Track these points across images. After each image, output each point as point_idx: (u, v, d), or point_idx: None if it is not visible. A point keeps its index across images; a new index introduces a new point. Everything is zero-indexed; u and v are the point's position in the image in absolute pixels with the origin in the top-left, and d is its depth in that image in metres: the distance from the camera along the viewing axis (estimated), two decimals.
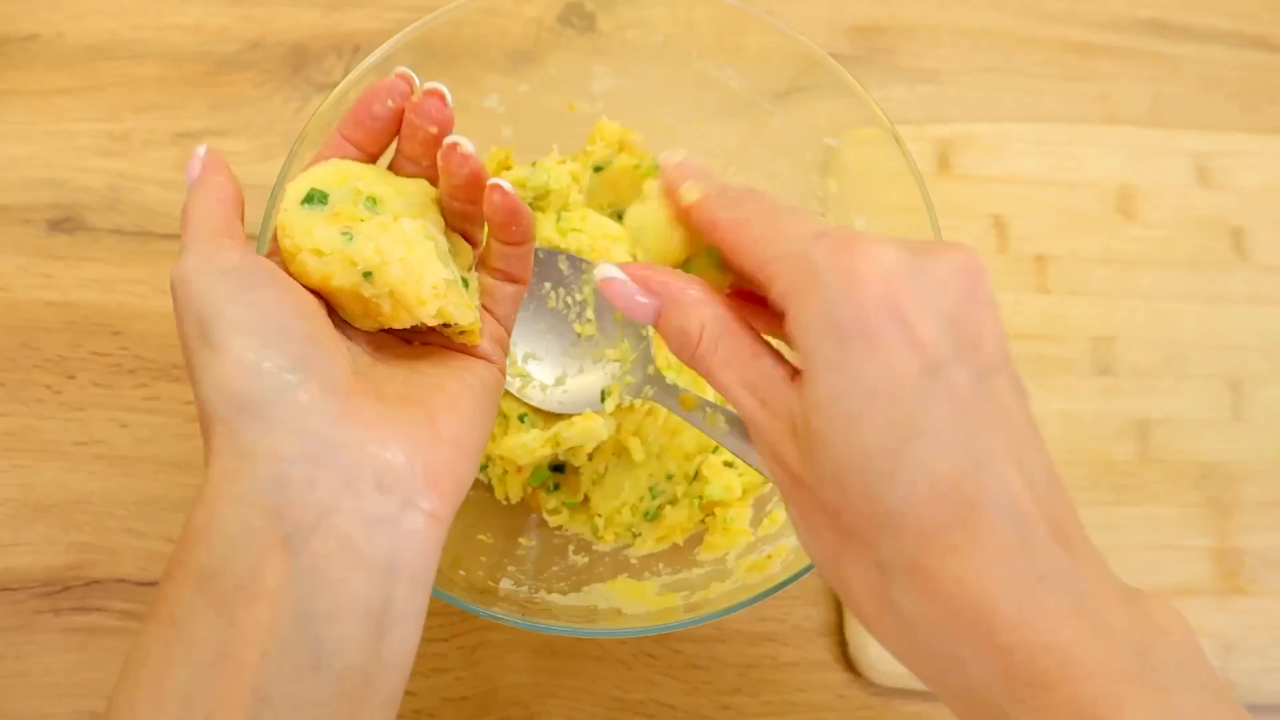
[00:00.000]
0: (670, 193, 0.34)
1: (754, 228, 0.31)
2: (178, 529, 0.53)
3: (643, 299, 0.33)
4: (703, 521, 0.48)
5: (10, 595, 0.51)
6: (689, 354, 0.32)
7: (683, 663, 0.51)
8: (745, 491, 0.48)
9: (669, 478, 0.49)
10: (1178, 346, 0.59)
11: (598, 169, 0.52)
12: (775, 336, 0.34)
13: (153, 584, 0.52)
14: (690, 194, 0.33)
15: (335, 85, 0.46)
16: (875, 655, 0.51)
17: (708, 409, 0.41)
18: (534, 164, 0.50)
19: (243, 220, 0.36)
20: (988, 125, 0.62)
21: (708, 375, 0.32)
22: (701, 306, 0.32)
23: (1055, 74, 0.65)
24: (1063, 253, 0.60)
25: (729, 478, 0.47)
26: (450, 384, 0.34)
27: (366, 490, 0.30)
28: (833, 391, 0.28)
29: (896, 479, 0.27)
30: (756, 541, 0.46)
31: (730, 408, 0.40)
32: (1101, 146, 0.63)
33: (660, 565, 0.47)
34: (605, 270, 0.33)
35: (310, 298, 0.33)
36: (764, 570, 0.43)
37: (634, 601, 0.44)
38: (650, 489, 0.49)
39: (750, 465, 0.40)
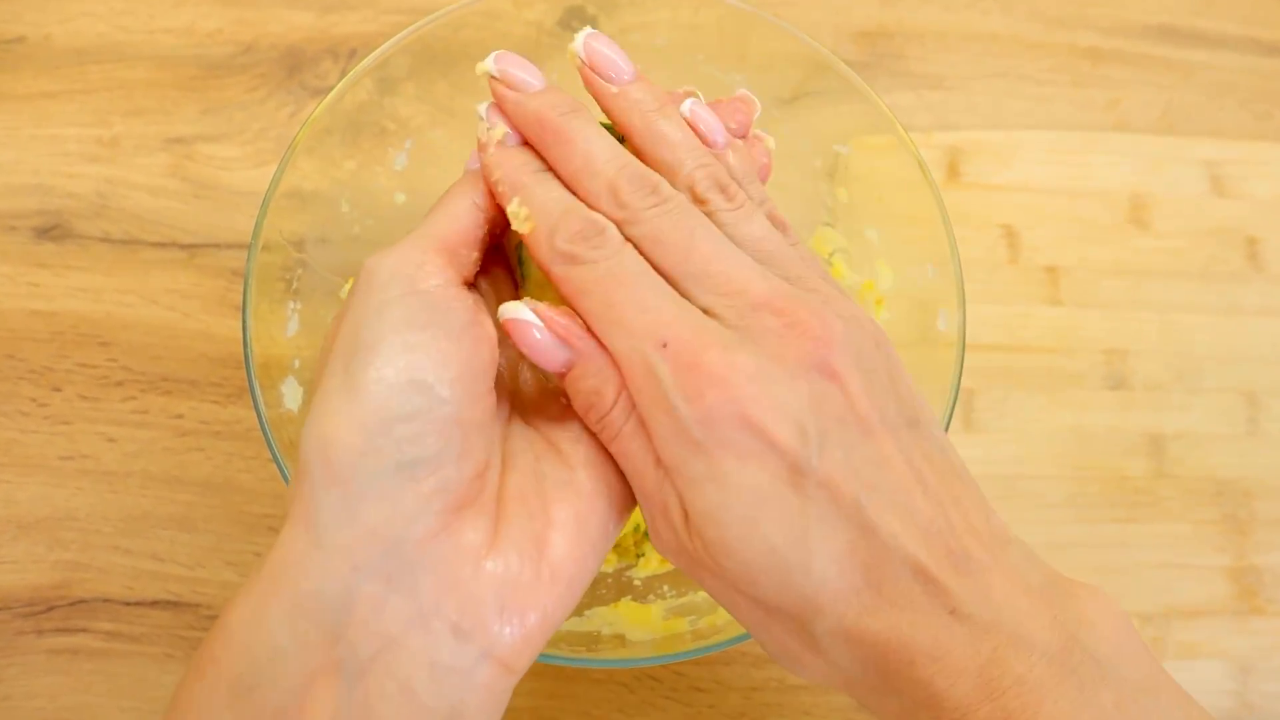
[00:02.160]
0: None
1: (592, 299, 0.29)
2: (166, 546, 0.51)
3: (555, 349, 0.29)
4: None
5: None
6: (594, 418, 0.29)
7: (686, 685, 0.50)
8: None
9: None
10: (1192, 359, 0.58)
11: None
12: None
13: (140, 604, 0.50)
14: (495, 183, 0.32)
15: (330, 89, 0.44)
16: None
17: None
18: None
19: (482, 246, 0.32)
20: (997, 132, 0.61)
21: (607, 443, 0.29)
22: (615, 370, 0.29)
23: (1065, 81, 0.64)
24: (1074, 263, 0.59)
25: None
26: (583, 480, 0.29)
27: (441, 631, 0.25)
28: (719, 501, 0.27)
29: (808, 567, 0.27)
30: None
31: None
32: (1112, 154, 0.61)
33: (665, 587, 0.46)
34: (513, 311, 0.29)
35: (485, 360, 0.28)
36: None
37: (638, 627, 0.43)
38: None
39: None
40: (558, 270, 0.29)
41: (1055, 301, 0.58)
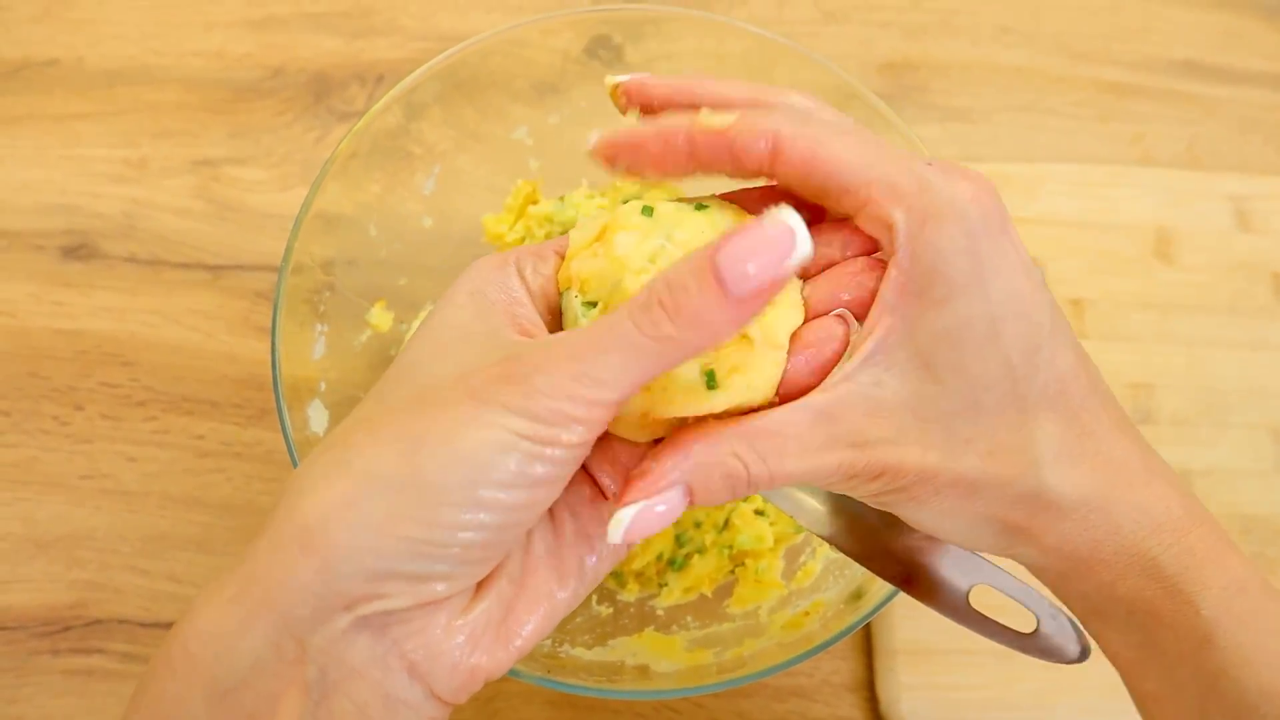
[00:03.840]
0: (636, 150, 0.30)
1: (843, 143, 0.29)
2: (184, 567, 0.51)
3: (663, 500, 0.28)
4: (732, 572, 0.47)
5: (8, 634, 0.50)
6: (744, 486, 0.29)
7: (705, 717, 0.49)
8: (777, 541, 0.46)
9: (696, 525, 0.47)
10: (1219, 394, 0.57)
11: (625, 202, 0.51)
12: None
13: (156, 625, 0.50)
14: (717, 119, 0.30)
15: (357, 114, 0.45)
16: (906, 711, 0.49)
17: None
18: (562, 198, 0.49)
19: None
20: (1022, 165, 0.61)
21: (773, 483, 0.29)
22: (713, 441, 0.28)
23: (1090, 114, 0.64)
24: (1100, 296, 0.59)
25: (760, 527, 0.46)
26: (568, 556, 0.30)
27: (398, 670, 0.27)
28: (971, 313, 0.28)
29: (1033, 380, 0.29)
30: (790, 595, 0.44)
31: None
32: (1138, 188, 0.61)
33: (688, 618, 0.45)
34: (625, 515, 0.28)
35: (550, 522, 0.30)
36: (801, 628, 0.41)
37: (662, 657, 0.42)
38: (677, 537, 0.47)
39: (787, 512, 0.38)
40: (790, 129, 0.29)
41: (1081, 334, 0.58)
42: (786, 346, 0.30)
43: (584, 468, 0.31)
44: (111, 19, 0.62)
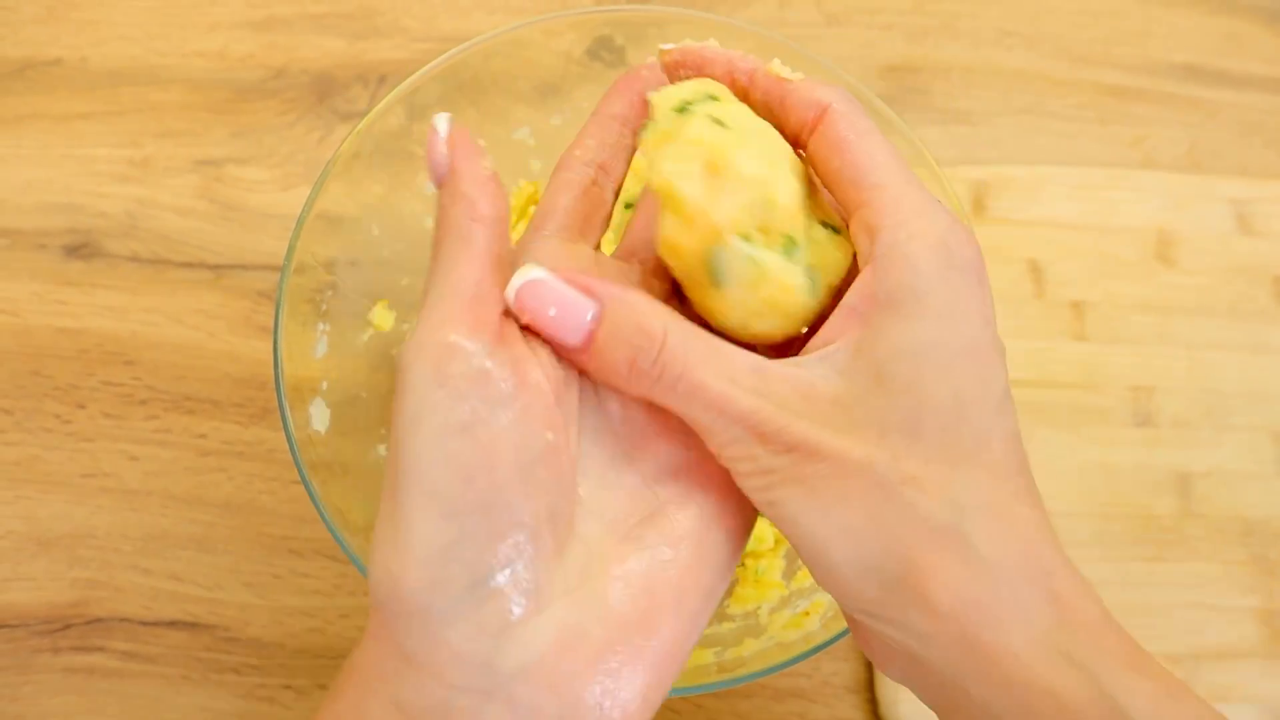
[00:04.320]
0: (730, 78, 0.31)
1: (875, 141, 0.29)
2: (185, 566, 0.51)
3: (578, 304, 0.27)
4: None
5: (9, 632, 0.50)
6: (650, 358, 0.27)
7: (704, 718, 0.49)
8: (777, 542, 0.46)
9: None
10: (1219, 397, 0.57)
11: (629, 205, 0.51)
12: None
13: (157, 624, 0.50)
14: (782, 69, 0.30)
15: (359, 115, 0.45)
16: (906, 712, 0.49)
17: None
18: None
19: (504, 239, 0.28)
20: (1023, 168, 0.61)
21: (679, 382, 0.27)
22: (658, 307, 0.28)
23: (1091, 117, 0.64)
24: (1100, 299, 0.59)
25: (761, 527, 0.46)
26: (689, 584, 0.28)
27: None
28: (936, 337, 0.28)
29: (976, 424, 0.28)
30: (790, 595, 0.44)
31: None
32: (1139, 191, 0.61)
33: None
34: (529, 274, 0.27)
35: (549, 437, 0.26)
36: (801, 627, 0.41)
37: None
38: None
39: None
40: (845, 106, 0.30)
41: (1081, 337, 0.58)
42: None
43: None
44: (115, 19, 0.62)
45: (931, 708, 0.29)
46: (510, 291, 0.27)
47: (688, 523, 0.28)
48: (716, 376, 0.27)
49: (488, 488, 0.25)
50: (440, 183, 0.28)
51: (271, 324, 0.54)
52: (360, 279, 0.47)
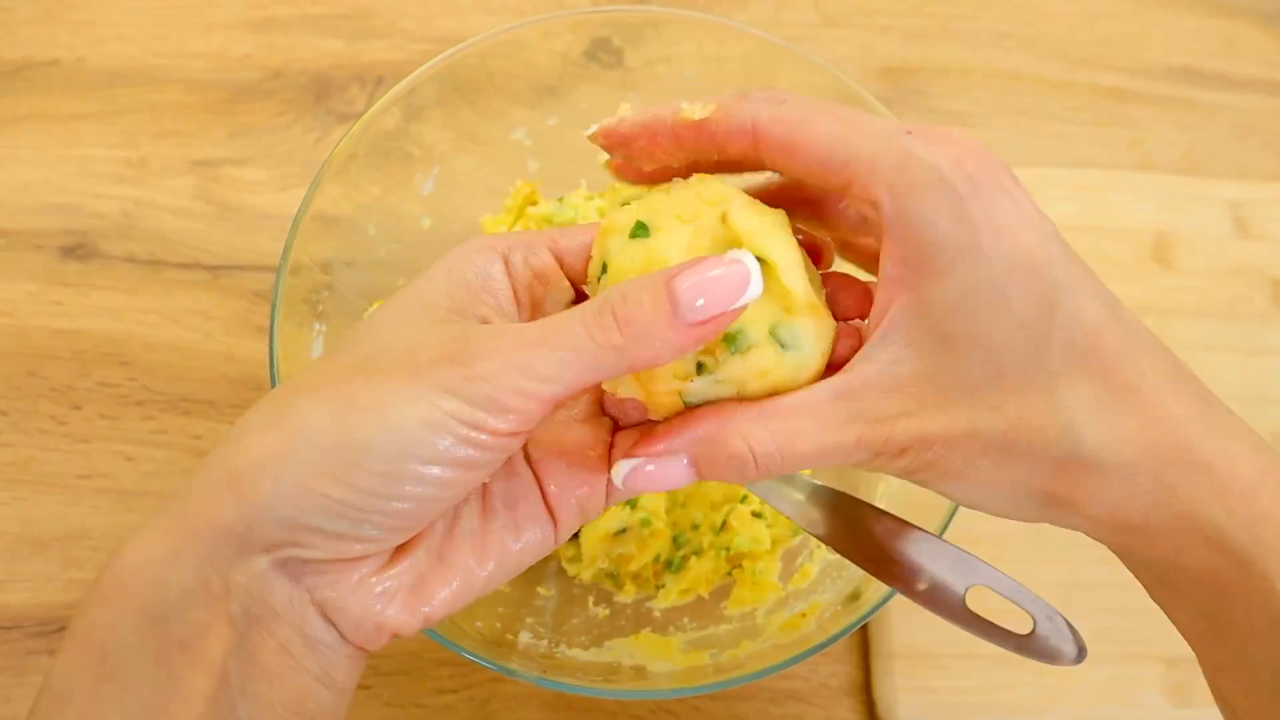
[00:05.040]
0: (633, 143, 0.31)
1: (819, 125, 0.29)
2: None
3: (671, 463, 0.29)
4: (729, 574, 0.47)
5: (4, 634, 0.49)
6: (751, 470, 0.29)
7: None
8: (774, 544, 0.46)
9: (694, 527, 0.47)
10: None
11: (625, 205, 0.51)
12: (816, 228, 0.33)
13: None
14: (694, 110, 0.30)
15: (357, 116, 0.45)
16: (904, 714, 0.49)
17: None
18: (560, 199, 0.49)
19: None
20: (1020, 170, 0.60)
21: (786, 466, 0.29)
22: (723, 420, 0.29)
23: (1088, 119, 0.64)
24: None
25: (757, 529, 0.46)
26: (493, 542, 0.30)
27: (312, 616, 0.28)
28: (975, 279, 0.27)
29: (1053, 339, 0.28)
30: (787, 597, 0.44)
31: None
32: (1136, 193, 0.61)
33: (685, 619, 0.45)
34: (626, 466, 0.30)
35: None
36: (798, 629, 0.41)
37: (658, 658, 0.42)
38: (674, 539, 0.47)
39: (783, 512, 0.38)
40: (769, 111, 0.30)
41: None
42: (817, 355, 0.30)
43: (529, 462, 0.31)
44: (113, 20, 0.62)
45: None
46: (618, 479, 0.30)
47: (500, 520, 0.31)
48: (809, 440, 0.28)
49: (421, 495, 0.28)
50: (690, 322, 0.27)
51: (268, 325, 0.54)
52: (357, 279, 0.47)
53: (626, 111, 0.33)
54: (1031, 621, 0.36)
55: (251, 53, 0.62)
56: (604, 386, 0.32)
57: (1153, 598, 0.31)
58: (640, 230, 0.31)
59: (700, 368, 0.29)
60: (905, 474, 0.30)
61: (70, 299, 0.56)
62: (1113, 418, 0.28)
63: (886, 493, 0.44)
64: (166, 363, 0.55)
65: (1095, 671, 0.51)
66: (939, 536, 0.35)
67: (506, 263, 0.31)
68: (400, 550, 0.29)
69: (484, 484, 0.31)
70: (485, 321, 0.30)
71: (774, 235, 0.30)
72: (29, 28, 0.61)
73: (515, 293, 0.32)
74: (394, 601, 0.29)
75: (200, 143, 0.60)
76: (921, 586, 0.35)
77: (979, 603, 0.35)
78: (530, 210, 0.50)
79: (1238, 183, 0.62)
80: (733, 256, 0.27)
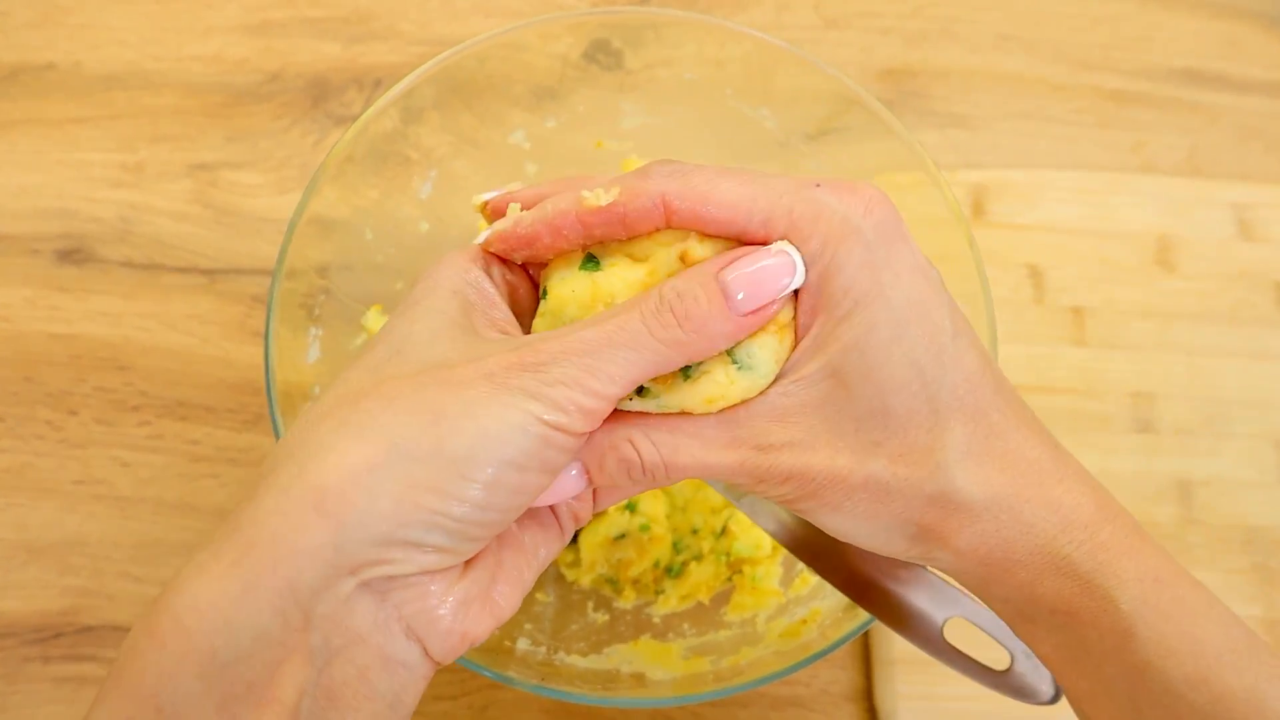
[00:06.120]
0: (516, 237, 0.31)
1: (728, 190, 0.30)
2: (177, 574, 0.50)
3: (565, 479, 0.30)
4: (729, 580, 0.46)
5: None
6: (638, 475, 0.30)
7: None
8: (775, 549, 0.45)
9: (694, 532, 0.47)
10: (1220, 404, 0.57)
11: None
12: None
13: None
14: (598, 196, 0.30)
15: (355, 119, 0.44)
16: None
17: None
18: None
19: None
20: (1022, 172, 0.61)
21: (670, 475, 0.30)
22: (613, 427, 0.30)
23: (1090, 122, 0.64)
24: (1100, 304, 0.58)
25: (758, 534, 0.45)
26: (525, 539, 0.31)
27: (397, 632, 0.28)
28: (874, 320, 0.29)
29: (942, 381, 0.30)
30: (788, 603, 0.44)
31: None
32: (1138, 196, 0.61)
33: (685, 626, 0.45)
34: (563, 483, 0.31)
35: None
36: (799, 636, 0.40)
37: (658, 665, 0.42)
38: (674, 544, 0.46)
39: (767, 530, 0.38)
40: (676, 185, 0.30)
41: (1081, 342, 0.57)
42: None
43: None
44: (109, 24, 0.62)
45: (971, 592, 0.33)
46: (548, 499, 0.31)
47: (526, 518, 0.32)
48: (692, 456, 0.30)
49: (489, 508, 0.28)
50: (742, 312, 0.29)
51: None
52: (354, 283, 0.47)
53: (516, 187, 0.33)
54: (1009, 658, 0.35)
55: (249, 56, 0.62)
56: None
57: (1016, 634, 0.33)
58: (590, 264, 0.31)
59: (642, 390, 0.30)
60: (787, 503, 0.31)
61: (67, 304, 0.56)
62: (980, 459, 0.30)
63: None
64: (163, 368, 0.54)
65: None
66: (923, 566, 0.35)
67: (489, 276, 0.33)
68: (472, 562, 0.29)
69: None
70: (504, 332, 0.31)
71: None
72: (25, 32, 0.61)
73: (505, 302, 0.33)
74: (472, 609, 0.29)
75: (197, 146, 0.59)
76: (899, 614, 0.35)
77: (957, 635, 0.35)
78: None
79: (1241, 185, 0.62)
80: (779, 248, 0.29)
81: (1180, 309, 0.59)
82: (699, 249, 0.30)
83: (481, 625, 0.29)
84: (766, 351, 0.30)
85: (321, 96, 0.61)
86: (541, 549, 0.31)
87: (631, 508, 0.45)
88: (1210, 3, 0.67)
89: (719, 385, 0.29)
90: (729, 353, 0.30)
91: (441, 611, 0.28)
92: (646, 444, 0.30)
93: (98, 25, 0.62)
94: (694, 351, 0.29)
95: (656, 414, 0.30)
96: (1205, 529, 0.54)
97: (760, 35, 0.47)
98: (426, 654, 0.29)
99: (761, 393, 0.30)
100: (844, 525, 0.31)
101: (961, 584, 0.32)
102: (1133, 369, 0.57)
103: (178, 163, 0.59)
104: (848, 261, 0.29)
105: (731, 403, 0.30)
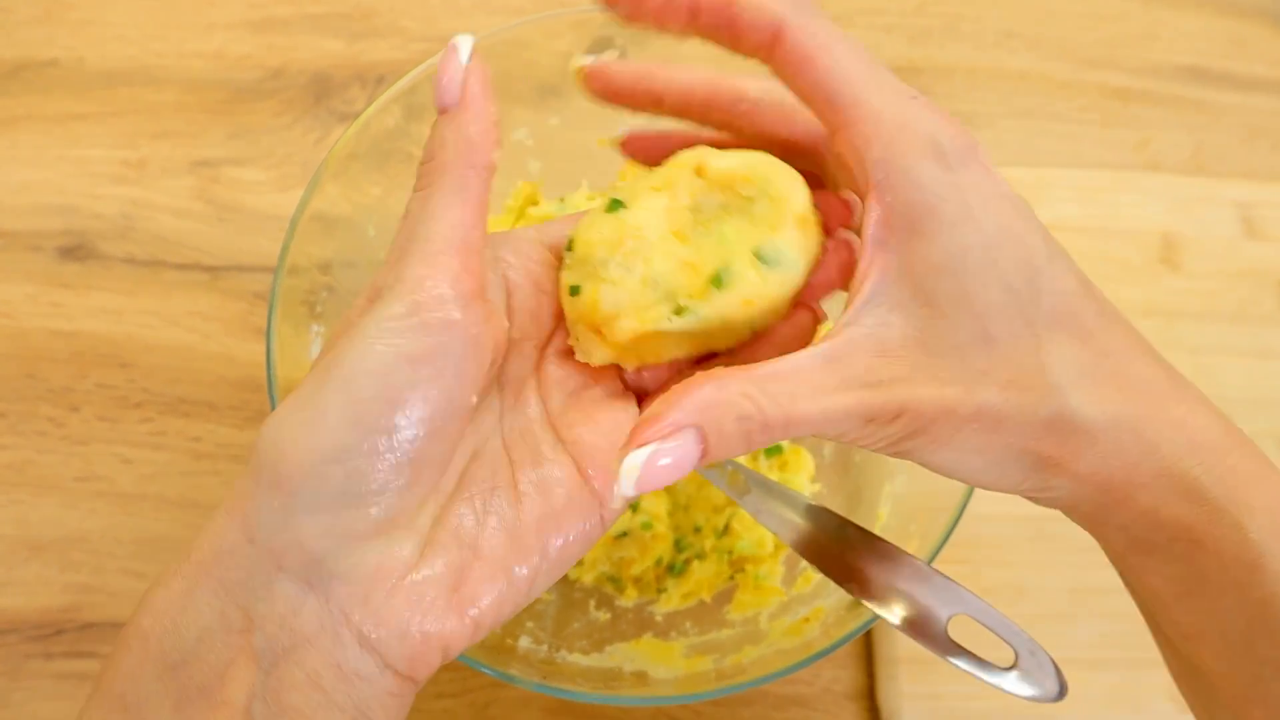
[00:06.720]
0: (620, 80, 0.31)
1: (841, 53, 0.28)
2: None
3: (684, 444, 0.27)
4: (732, 578, 0.46)
5: (1, 638, 0.49)
6: (758, 435, 0.28)
7: None
8: (777, 547, 0.45)
9: (696, 530, 0.46)
10: (1224, 403, 0.55)
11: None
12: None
13: None
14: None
15: (357, 116, 0.44)
16: None
17: (729, 466, 0.39)
18: (562, 199, 0.49)
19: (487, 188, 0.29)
20: (1026, 170, 0.61)
21: (788, 429, 0.28)
22: (723, 382, 0.27)
23: (1094, 120, 0.64)
24: None
25: (760, 532, 0.45)
26: (526, 533, 0.29)
27: (348, 640, 0.27)
28: (963, 243, 0.28)
29: (1040, 304, 0.28)
30: (790, 601, 0.44)
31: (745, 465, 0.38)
32: (1143, 194, 0.61)
33: (687, 624, 0.45)
34: (636, 457, 0.27)
35: (472, 400, 0.28)
36: (801, 634, 0.40)
37: (660, 664, 0.42)
38: (676, 542, 0.46)
39: (770, 529, 0.37)
40: (800, 20, 0.29)
41: None
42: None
43: (565, 447, 0.30)
44: (112, 20, 0.62)
45: (1080, 525, 0.31)
46: (630, 486, 0.27)
47: (529, 504, 0.29)
48: (809, 401, 0.28)
49: (404, 420, 0.27)
50: (444, 109, 0.29)
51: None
52: (357, 280, 0.47)
53: (614, 54, 0.33)
54: (1014, 655, 0.35)
55: (251, 52, 0.62)
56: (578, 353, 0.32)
57: (1123, 570, 0.31)
58: (615, 205, 0.31)
59: (679, 309, 0.30)
60: (892, 443, 0.29)
61: (69, 300, 0.56)
62: (1095, 379, 0.29)
63: (892, 494, 0.44)
64: (165, 364, 0.54)
65: (1102, 678, 0.50)
66: (926, 563, 0.35)
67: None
68: (428, 547, 0.28)
69: (511, 470, 0.30)
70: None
71: (758, 156, 0.31)
72: (28, 28, 0.61)
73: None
74: (435, 606, 0.27)
75: (200, 143, 0.59)
76: (903, 612, 0.35)
77: (961, 632, 0.35)
78: (531, 211, 0.49)
79: (1246, 183, 0.62)
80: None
81: (1185, 308, 0.58)
82: (716, 162, 0.30)
83: (446, 626, 0.27)
84: (792, 246, 0.29)
85: (324, 93, 0.61)
86: (558, 538, 0.29)
87: (634, 507, 0.45)
88: (1215, 0, 0.67)
89: (752, 285, 0.29)
90: (755, 252, 0.29)
91: (391, 608, 0.26)
92: (766, 398, 0.27)
93: (100, 21, 0.62)
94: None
95: (761, 371, 0.28)
96: None
97: None
98: (387, 664, 0.27)
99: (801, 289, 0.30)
100: (955, 461, 0.29)
101: (1076, 517, 0.31)
102: None
103: (180, 159, 0.59)
104: (929, 180, 0.28)
105: (770, 301, 0.29)
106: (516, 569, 0.28)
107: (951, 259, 0.28)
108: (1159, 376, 0.29)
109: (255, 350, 0.55)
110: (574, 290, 0.31)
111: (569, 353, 0.32)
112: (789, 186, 0.30)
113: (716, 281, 0.29)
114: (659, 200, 0.30)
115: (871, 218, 0.28)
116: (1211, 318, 0.58)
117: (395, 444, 0.27)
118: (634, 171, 0.35)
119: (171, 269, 0.57)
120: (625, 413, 0.31)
